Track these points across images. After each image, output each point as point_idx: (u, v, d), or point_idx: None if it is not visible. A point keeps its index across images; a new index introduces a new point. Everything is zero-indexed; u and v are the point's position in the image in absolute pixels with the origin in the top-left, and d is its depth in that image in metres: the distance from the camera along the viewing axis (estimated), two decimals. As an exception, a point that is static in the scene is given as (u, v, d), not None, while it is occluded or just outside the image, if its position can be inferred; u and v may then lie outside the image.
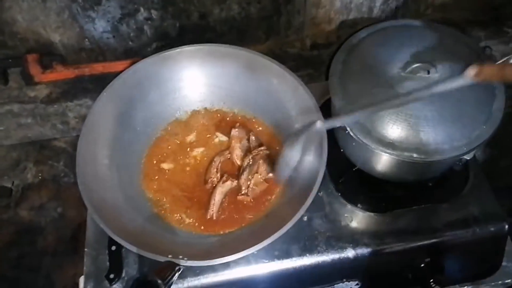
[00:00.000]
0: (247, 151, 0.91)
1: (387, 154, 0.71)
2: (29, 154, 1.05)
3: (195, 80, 0.93)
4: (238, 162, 0.90)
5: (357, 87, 0.76)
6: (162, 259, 0.69)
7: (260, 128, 0.95)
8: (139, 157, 0.90)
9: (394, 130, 0.71)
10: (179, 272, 0.67)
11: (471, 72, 0.58)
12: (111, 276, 0.81)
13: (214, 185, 0.86)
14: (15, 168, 1.03)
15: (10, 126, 1.02)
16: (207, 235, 0.81)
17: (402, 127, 0.70)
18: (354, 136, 0.72)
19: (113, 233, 0.71)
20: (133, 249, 0.70)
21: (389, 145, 0.71)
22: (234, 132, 0.92)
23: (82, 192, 0.74)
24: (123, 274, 0.82)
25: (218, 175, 0.88)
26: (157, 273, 0.61)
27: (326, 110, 0.84)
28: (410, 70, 0.72)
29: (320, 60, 1.08)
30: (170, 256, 0.69)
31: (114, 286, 0.81)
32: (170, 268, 0.64)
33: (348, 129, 0.72)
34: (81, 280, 0.85)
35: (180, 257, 0.69)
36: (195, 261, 0.69)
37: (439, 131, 0.70)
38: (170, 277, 0.63)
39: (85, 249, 0.85)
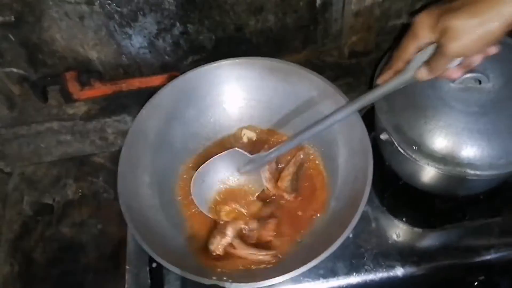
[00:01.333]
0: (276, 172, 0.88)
1: (439, 171, 0.67)
2: (69, 170, 1.06)
3: (233, 95, 0.91)
4: (268, 186, 0.86)
5: (403, 99, 0.73)
6: (207, 282, 0.67)
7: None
8: (178, 175, 0.89)
9: (445, 144, 0.67)
10: (225, 295, 0.65)
11: (378, 80, 0.64)
12: (153, 293, 0.81)
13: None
14: (55, 185, 1.04)
15: (50, 143, 1.03)
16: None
17: (454, 141, 0.67)
18: (402, 151, 0.69)
19: (155, 254, 0.69)
20: (177, 271, 0.68)
21: (441, 160, 0.67)
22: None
23: (124, 210, 0.74)
24: (164, 292, 0.82)
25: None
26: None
27: (369, 121, 0.80)
28: (460, 81, 0.69)
29: (359, 68, 1.05)
30: (214, 278, 0.68)
31: (155, 303, 0.81)
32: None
33: (395, 143, 0.69)
34: (123, 297, 0.84)
35: (225, 278, 0.68)
36: (241, 284, 0.67)
37: (494, 145, 0.66)
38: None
39: (126, 267, 0.85)
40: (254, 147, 0.91)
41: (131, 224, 0.72)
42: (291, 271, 0.67)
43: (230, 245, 0.79)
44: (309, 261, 0.67)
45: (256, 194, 0.85)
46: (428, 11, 0.56)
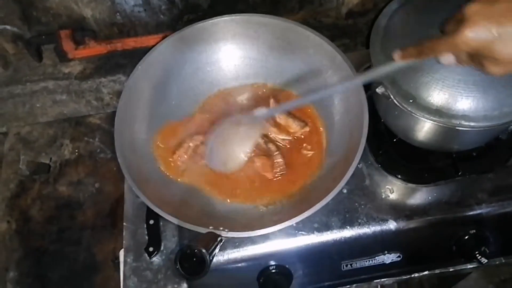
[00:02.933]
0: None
1: (434, 122, 0.68)
2: (65, 130, 1.06)
3: (229, 52, 0.91)
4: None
5: (400, 52, 0.72)
6: (203, 230, 0.68)
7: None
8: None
9: (440, 96, 0.68)
10: (221, 243, 0.66)
11: (397, 55, 0.62)
12: (150, 249, 0.83)
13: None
14: (52, 145, 1.04)
15: (46, 103, 1.03)
16: (247, 207, 0.80)
17: (450, 93, 0.67)
18: (398, 104, 0.70)
19: (153, 204, 0.70)
20: (174, 220, 0.70)
21: (436, 112, 0.68)
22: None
23: (122, 165, 0.74)
24: (162, 247, 0.83)
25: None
26: (200, 244, 0.60)
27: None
28: (457, 34, 0.69)
29: (356, 29, 1.05)
30: (211, 227, 0.69)
31: (153, 258, 0.82)
32: (213, 239, 0.63)
33: (391, 97, 0.70)
34: (121, 253, 0.86)
35: (221, 228, 0.69)
36: (236, 232, 0.69)
37: (489, 97, 0.66)
38: (213, 247, 0.62)
39: (124, 224, 0.87)
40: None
41: (128, 175, 0.73)
42: (285, 221, 0.68)
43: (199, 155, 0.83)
44: (303, 212, 0.68)
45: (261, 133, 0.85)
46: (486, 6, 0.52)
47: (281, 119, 0.88)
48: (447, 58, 0.57)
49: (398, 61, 0.63)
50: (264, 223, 0.69)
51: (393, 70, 0.65)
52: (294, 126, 0.87)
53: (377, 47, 0.75)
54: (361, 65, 0.93)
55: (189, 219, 0.70)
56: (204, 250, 0.58)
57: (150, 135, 0.84)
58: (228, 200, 0.81)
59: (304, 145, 0.86)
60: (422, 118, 0.68)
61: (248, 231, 0.68)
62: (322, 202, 0.69)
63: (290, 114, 0.88)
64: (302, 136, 0.87)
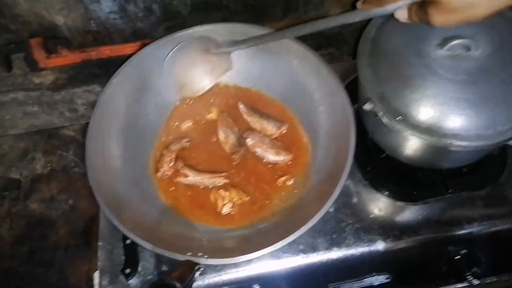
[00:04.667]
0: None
1: (424, 141, 0.64)
2: (37, 143, 1.00)
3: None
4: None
5: (388, 68, 0.69)
6: (180, 257, 0.64)
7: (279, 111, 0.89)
8: (152, 147, 0.85)
9: (431, 114, 0.64)
10: (199, 272, 0.62)
11: (359, 3, 0.61)
12: (127, 271, 0.78)
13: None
14: (23, 159, 0.99)
15: (16, 115, 0.98)
16: (227, 229, 0.76)
17: (441, 111, 0.64)
18: (386, 122, 0.66)
19: (126, 229, 0.66)
20: (149, 246, 0.65)
21: (426, 131, 0.64)
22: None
23: (93, 185, 0.70)
24: (140, 269, 0.78)
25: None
26: (175, 276, 0.56)
27: (351, 92, 0.77)
28: (448, 48, 0.66)
29: (341, 38, 1.01)
30: (189, 254, 0.64)
31: (130, 281, 0.78)
32: (189, 268, 0.59)
33: (380, 114, 0.66)
34: (96, 275, 0.81)
35: (200, 254, 0.65)
36: (216, 259, 0.65)
37: (481, 115, 0.63)
38: (190, 277, 0.58)
39: (99, 243, 0.82)
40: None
41: (100, 198, 0.68)
42: (268, 246, 0.64)
43: (182, 174, 0.80)
44: (287, 235, 0.65)
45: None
46: None
47: (255, 122, 0.85)
48: (401, 12, 0.58)
49: (360, 8, 0.61)
50: (247, 248, 0.65)
51: (356, 19, 0.63)
52: (270, 128, 0.85)
53: (364, 60, 0.71)
54: (347, 76, 0.89)
55: (166, 244, 0.66)
56: (178, 285, 0.53)
57: (125, 152, 0.79)
58: (210, 222, 0.77)
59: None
60: (412, 137, 0.65)
61: (229, 257, 0.65)
62: (308, 225, 0.66)
63: (263, 115, 0.86)
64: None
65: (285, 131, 0.85)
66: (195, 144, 0.86)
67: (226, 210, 0.78)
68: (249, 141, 0.83)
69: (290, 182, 0.81)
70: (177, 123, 0.88)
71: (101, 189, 0.70)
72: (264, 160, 0.83)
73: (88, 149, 0.72)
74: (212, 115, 0.89)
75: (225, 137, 0.83)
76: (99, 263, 0.80)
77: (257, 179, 0.82)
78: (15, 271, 0.88)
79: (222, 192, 0.79)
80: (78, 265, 0.89)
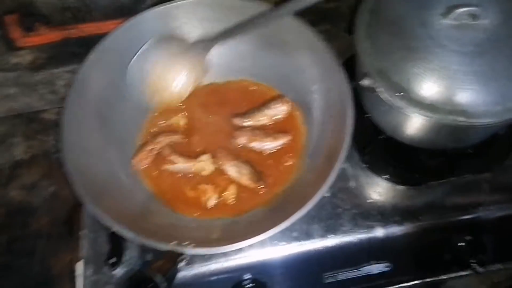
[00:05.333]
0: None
1: (427, 118, 0.59)
2: (16, 128, 0.95)
3: (196, 39, 0.80)
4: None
5: (389, 40, 0.64)
6: (165, 247, 0.59)
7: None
8: (135, 129, 0.79)
9: (435, 89, 0.59)
10: (183, 263, 0.57)
11: None
12: (112, 260, 0.73)
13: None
14: (1, 144, 0.94)
15: (-7, 97, 0.92)
16: (216, 218, 0.71)
17: (446, 86, 0.59)
18: (386, 99, 0.61)
19: (106, 217, 0.61)
20: (131, 236, 0.60)
21: (429, 107, 0.59)
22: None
23: (69, 170, 0.65)
24: (126, 258, 0.73)
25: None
26: (156, 267, 0.51)
27: (348, 70, 0.71)
28: (453, 16, 0.60)
29: (338, 13, 0.95)
30: (174, 242, 0.59)
31: (115, 271, 0.73)
32: (171, 259, 0.54)
33: (379, 90, 0.61)
34: (79, 265, 0.77)
35: (186, 243, 0.60)
36: (203, 249, 0.60)
37: (490, 89, 0.58)
38: (172, 270, 0.53)
39: (82, 232, 0.77)
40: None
41: (76, 182, 0.63)
42: (259, 234, 0.60)
43: (170, 161, 0.75)
44: (280, 222, 0.60)
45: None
46: None
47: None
48: None
49: None
50: (236, 236, 0.60)
51: None
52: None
53: (362, 31, 0.66)
54: (344, 54, 0.83)
55: (149, 233, 0.61)
56: (158, 277, 0.49)
57: (106, 135, 0.73)
58: (197, 216, 0.71)
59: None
60: (414, 114, 0.60)
61: (217, 246, 0.60)
62: (302, 211, 0.61)
63: (255, 111, 0.80)
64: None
65: (279, 115, 0.80)
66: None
67: (211, 203, 0.72)
68: (242, 141, 0.77)
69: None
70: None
71: (78, 173, 0.65)
72: (266, 151, 0.77)
73: (64, 132, 0.67)
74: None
75: (238, 172, 0.74)
76: (83, 253, 0.75)
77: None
78: (-6, 261, 0.83)
79: (202, 186, 0.74)
80: (60, 255, 0.84)
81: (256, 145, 0.76)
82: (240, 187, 0.73)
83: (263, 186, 0.73)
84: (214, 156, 0.75)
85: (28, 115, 0.96)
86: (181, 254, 0.57)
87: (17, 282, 0.82)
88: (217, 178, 0.75)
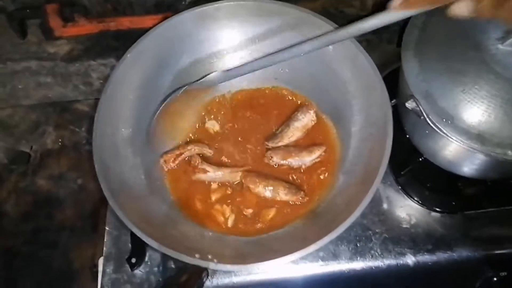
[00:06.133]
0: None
1: (474, 150, 0.56)
2: (49, 116, 0.96)
3: (234, 43, 0.79)
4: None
5: (438, 60, 0.60)
6: (187, 259, 0.58)
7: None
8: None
9: (485, 118, 0.56)
10: (206, 279, 0.55)
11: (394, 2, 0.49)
12: (133, 260, 0.74)
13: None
14: (34, 132, 0.94)
15: (29, 85, 0.93)
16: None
17: (496, 116, 0.55)
18: (431, 124, 0.57)
19: (131, 222, 0.60)
20: (154, 244, 0.59)
21: (478, 138, 0.56)
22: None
23: (98, 170, 0.64)
24: (146, 258, 0.74)
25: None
26: (181, 281, 0.49)
27: (390, 85, 0.68)
28: (509, 43, 0.56)
29: (382, 23, 0.91)
30: (197, 256, 0.58)
31: (136, 271, 0.73)
32: (196, 276, 0.53)
33: (424, 114, 0.57)
34: (100, 261, 0.77)
35: (209, 257, 0.58)
36: (227, 265, 0.58)
37: (544, 124, 0.54)
38: (196, 285, 0.51)
39: (106, 228, 0.77)
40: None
41: (104, 183, 0.62)
42: (286, 254, 0.57)
43: (201, 170, 0.73)
44: (308, 244, 0.57)
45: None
46: None
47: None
48: (462, 5, 0.45)
49: (395, 10, 0.51)
50: (262, 255, 0.58)
51: (387, 23, 0.54)
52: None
53: (410, 49, 0.62)
54: (386, 66, 0.80)
55: (173, 242, 0.60)
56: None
57: (136, 136, 0.72)
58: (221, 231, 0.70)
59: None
60: (460, 144, 0.56)
61: (242, 263, 0.58)
62: (333, 234, 0.58)
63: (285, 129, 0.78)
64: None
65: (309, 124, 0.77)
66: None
67: (231, 222, 0.71)
68: (276, 160, 0.75)
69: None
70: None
71: (107, 175, 0.64)
72: (302, 166, 0.74)
73: (96, 129, 0.66)
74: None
75: (273, 191, 0.71)
76: (104, 249, 0.76)
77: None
78: (18, 250, 0.85)
79: (218, 207, 0.72)
80: (83, 249, 0.85)
81: (292, 161, 0.73)
82: (280, 204, 0.71)
83: (303, 195, 0.70)
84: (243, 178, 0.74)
85: (62, 105, 0.97)
86: (205, 269, 0.56)
87: (39, 273, 0.83)
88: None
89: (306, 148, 0.74)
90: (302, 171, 0.74)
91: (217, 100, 0.82)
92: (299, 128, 0.76)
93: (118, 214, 0.60)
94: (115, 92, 0.70)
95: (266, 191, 0.71)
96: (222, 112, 0.81)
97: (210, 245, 0.65)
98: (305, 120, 0.77)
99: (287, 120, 0.78)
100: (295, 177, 0.74)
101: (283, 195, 0.70)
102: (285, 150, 0.74)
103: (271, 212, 0.70)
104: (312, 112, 0.77)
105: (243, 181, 0.73)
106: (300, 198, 0.70)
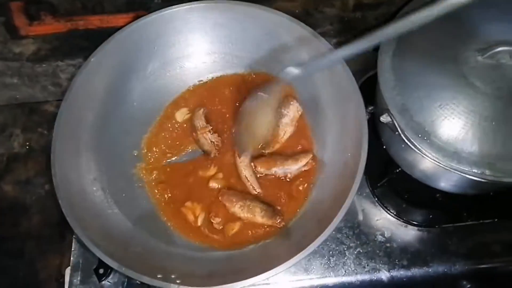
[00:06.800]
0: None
1: (450, 169, 0.53)
2: (17, 118, 0.92)
3: (206, 45, 0.76)
4: None
5: (415, 73, 0.57)
6: (147, 280, 0.55)
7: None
8: (136, 141, 0.75)
9: (462, 135, 0.53)
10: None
11: None
12: (101, 271, 0.71)
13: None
14: (0, 134, 0.90)
15: (-6, 86, 0.88)
16: (208, 248, 0.66)
17: (474, 133, 0.53)
18: (405, 140, 0.55)
19: (90, 242, 0.57)
20: (114, 265, 0.56)
21: (453, 156, 0.53)
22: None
23: (57, 185, 0.61)
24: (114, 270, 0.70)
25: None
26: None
27: (368, 91, 0.66)
28: (490, 55, 0.54)
29: (364, 24, 0.89)
30: (159, 276, 0.55)
31: (103, 282, 0.70)
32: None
33: (399, 129, 0.55)
34: (67, 272, 0.75)
35: (173, 277, 0.56)
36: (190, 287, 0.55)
37: (524, 142, 0.52)
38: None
39: (74, 236, 0.75)
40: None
41: (63, 201, 0.59)
42: (252, 276, 0.55)
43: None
44: (278, 263, 0.55)
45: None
46: None
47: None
48: None
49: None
50: (227, 276, 0.57)
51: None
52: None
53: (387, 61, 0.60)
54: (366, 71, 0.77)
55: (136, 261, 0.57)
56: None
57: (100, 144, 0.69)
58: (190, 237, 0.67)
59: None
60: (435, 161, 0.54)
61: (206, 285, 0.55)
62: (304, 252, 0.56)
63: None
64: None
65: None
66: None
67: (201, 221, 0.68)
68: (261, 169, 0.72)
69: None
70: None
71: (66, 188, 0.61)
72: (288, 175, 0.71)
73: (56, 138, 0.63)
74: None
75: (249, 212, 0.68)
76: (71, 259, 0.74)
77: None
78: (-19, 259, 0.80)
79: (189, 204, 0.70)
80: (49, 259, 0.81)
81: (278, 170, 0.71)
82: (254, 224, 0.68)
83: (280, 220, 0.67)
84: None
85: (30, 106, 0.92)
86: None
87: (3, 284, 0.79)
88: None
89: (292, 156, 0.71)
90: (288, 179, 0.71)
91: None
92: (288, 123, 0.74)
93: (76, 231, 0.58)
94: (77, 98, 0.67)
95: (242, 212, 0.67)
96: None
97: (176, 263, 0.62)
98: (291, 113, 0.74)
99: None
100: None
101: (259, 217, 0.67)
102: (270, 159, 0.71)
103: (236, 227, 0.67)
104: (294, 102, 0.74)
105: (220, 198, 0.70)
106: (277, 223, 0.67)
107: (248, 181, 0.70)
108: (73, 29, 0.84)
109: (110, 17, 0.83)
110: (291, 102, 0.74)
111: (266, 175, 0.72)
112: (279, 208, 0.69)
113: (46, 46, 0.86)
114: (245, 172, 0.70)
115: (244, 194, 0.70)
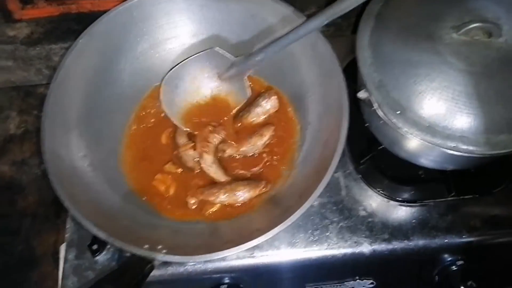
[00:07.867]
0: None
1: (424, 142, 0.55)
2: (12, 101, 0.93)
3: (195, 27, 0.77)
4: None
5: (392, 51, 0.59)
6: (134, 249, 0.57)
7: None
8: (122, 121, 0.77)
9: (436, 110, 0.55)
10: (150, 272, 0.55)
11: None
12: (94, 247, 0.73)
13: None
14: (-4, 116, 0.92)
15: (-11, 69, 0.90)
16: (195, 221, 0.68)
17: (447, 107, 0.54)
18: (382, 115, 0.56)
19: (79, 213, 0.59)
20: (103, 236, 0.58)
21: (428, 130, 0.55)
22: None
23: (46, 159, 0.63)
24: (108, 245, 0.73)
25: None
26: (116, 279, 0.49)
27: (352, 73, 0.67)
28: (465, 31, 0.55)
29: (352, 6, 0.89)
30: (146, 246, 0.57)
31: (97, 257, 0.72)
32: (137, 268, 0.52)
33: (375, 105, 0.56)
34: (62, 248, 0.77)
35: (159, 247, 0.58)
36: (176, 256, 0.57)
37: (495, 116, 0.53)
38: (136, 282, 0.51)
39: (68, 214, 0.75)
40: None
41: (53, 177, 0.61)
42: (238, 245, 0.57)
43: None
44: (261, 233, 0.57)
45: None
46: None
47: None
48: None
49: None
50: (214, 246, 0.58)
51: None
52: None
53: (365, 38, 0.61)
54: (350, 54, 0.79)
55: (124, 233, 0.59)
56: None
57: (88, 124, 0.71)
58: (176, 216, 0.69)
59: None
60: (411, 136, 0.55)
61: (192, 254, 0.57)
62: (286, 222, 0.58)
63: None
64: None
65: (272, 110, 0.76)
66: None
67: (172, 191, 0.71)
68: (230, 151, 0.73)
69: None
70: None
71: (56, 163, 0.63)
72: (256, 152, 0.73)
73: (45, 117, 0.64)
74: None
75: (230, 196, 0.69)
76: (66, 236, 0.75)
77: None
78: (-22, 237, 0.83)
79: (159, 176, 0.71)
80: (45, 236, 0.83)
81: (246, 149, 0.72)
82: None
83: (265, 183, 0.69)
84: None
85: (26, 89, 0.94)
86: (149, 262, 0.55)
87: (0, 260, 0.81)
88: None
89: (255, 133, 0.73)
90: (256, 156, 0.73)
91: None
92: (259, 114, 0.75)
93: (66, 205, 0.60)
94: (65, 80, 0.68)
95: (227, 197, 0.68)
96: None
97: (162, 234, 0.64)
98: (268, 106, 0.75)
99: (248, 105, 0.77)
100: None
101: (246, 193, 0.68)
102: (237, 139, 0.73)
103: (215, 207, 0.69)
104: (275, 98, 0.75)
105: (201, 196, 0.70)
106: (263, 189, 0.69)
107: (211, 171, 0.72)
108: (65, 13, 0.85)
109: (101, 1, 0.85)
110: (272, 97, 0.75)
111: (236, 157, 0.74)
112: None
113: (39, 30, 0.87)
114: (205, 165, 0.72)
115: (220, 183, 0.71)
